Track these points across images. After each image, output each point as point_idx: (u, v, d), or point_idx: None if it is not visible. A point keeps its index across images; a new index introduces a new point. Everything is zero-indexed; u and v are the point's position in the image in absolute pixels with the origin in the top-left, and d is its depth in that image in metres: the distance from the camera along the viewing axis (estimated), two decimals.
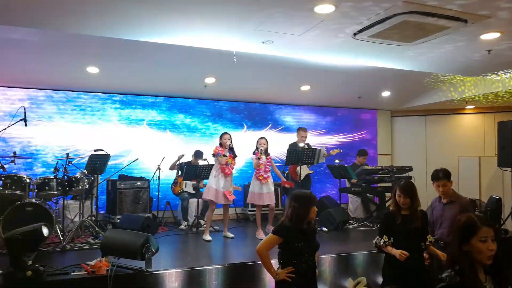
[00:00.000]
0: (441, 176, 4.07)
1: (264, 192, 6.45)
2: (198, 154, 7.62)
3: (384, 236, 3.63)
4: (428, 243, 3.67)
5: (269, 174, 6.58)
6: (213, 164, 6.43)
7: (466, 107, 9.37)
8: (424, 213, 3.74)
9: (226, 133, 6.48)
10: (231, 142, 6.37)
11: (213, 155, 6.35)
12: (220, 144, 6.35)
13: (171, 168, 7.61)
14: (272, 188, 6.58)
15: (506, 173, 8.27)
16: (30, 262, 3.86)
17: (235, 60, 5.53)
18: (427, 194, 8.62)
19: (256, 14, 3.98)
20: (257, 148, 6.53)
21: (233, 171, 6.46)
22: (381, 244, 3.64)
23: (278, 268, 3.41)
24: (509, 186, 7.35)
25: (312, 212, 3.39)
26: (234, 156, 6.38)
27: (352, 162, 8.80)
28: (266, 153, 6.60)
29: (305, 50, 5.26)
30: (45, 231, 4.00)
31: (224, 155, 6.20)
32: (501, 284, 2.24)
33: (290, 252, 3.36)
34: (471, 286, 2.18)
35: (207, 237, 6.21)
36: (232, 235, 6.45)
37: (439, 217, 4.31)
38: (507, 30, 4.39)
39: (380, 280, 4.24)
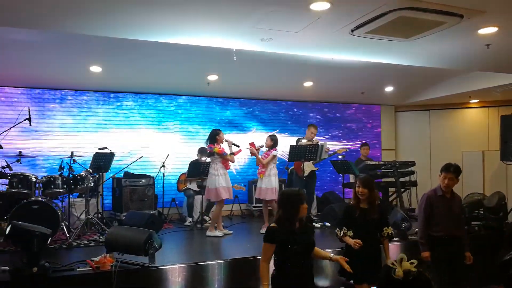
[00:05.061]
0: (452, 170, 4.13)
1: (268, 187, 6.50)
2: (202, 151, 7.66)
3: (344, 227, 3.95)
4: (385, 234, 3.96)
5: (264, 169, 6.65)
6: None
7: (470, 101, 9.34)
8: (382, 207, 4.07)
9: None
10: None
11: (218, 154, 6.35)
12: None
13: None
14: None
15: (509, 167, 8.28)
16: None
17: (234, 57, 5.58)
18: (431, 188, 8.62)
19: (252, 12, 4.01)
20: (261, 146, 6.66)
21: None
22: (341, 235, 3.96)
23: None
24: None
25: (301, 210, 3.21)
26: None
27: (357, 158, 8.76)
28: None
29: (304, 47, 5.28)
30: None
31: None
32: None
33: (283, 255, 3.17)
34: None
35: (218, 233, 6.25)
36: (221, 234, 6.36)
37: (447, 212, 4.25)
38: (503, 25, 4.39)
39: None
